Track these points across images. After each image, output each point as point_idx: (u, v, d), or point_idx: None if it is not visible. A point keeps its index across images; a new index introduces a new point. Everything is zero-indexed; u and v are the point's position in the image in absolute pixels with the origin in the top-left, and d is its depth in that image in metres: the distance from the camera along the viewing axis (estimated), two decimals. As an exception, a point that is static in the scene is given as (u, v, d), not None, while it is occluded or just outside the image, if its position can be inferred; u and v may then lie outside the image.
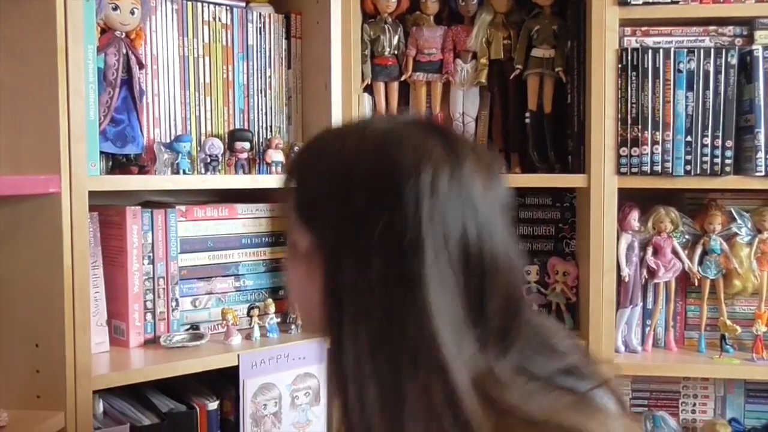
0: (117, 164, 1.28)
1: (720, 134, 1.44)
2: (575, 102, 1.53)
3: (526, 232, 1.65)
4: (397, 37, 1.58)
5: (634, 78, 1.46)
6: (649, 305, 1.57)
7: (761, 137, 1.42)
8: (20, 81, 1.13)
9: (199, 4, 1.40)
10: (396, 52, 1.59)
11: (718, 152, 1.45)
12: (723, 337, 1.53)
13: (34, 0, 1.10)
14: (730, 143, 1.44)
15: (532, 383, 0.65)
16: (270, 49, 1.50)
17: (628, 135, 1.46)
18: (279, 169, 1.45)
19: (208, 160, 1.37)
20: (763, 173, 1.43)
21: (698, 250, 1.54)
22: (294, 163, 0.79)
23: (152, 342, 1.36)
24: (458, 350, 0.63)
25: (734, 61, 1.44)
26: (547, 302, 1.62)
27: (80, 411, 1.13)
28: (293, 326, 1.47)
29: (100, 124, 1.21)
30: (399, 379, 0.63)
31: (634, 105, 1.46)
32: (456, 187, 0.65)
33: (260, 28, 1.49)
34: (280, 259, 1.56)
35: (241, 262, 1.50)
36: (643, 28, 1.49)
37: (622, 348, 1.56)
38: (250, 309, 1.46)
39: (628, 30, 1.49)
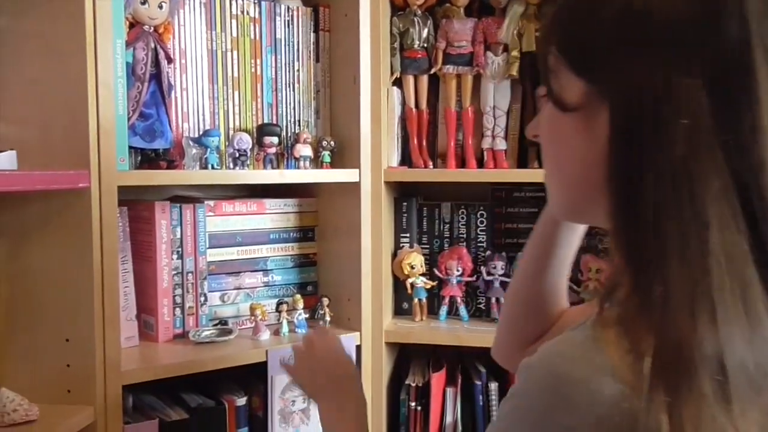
0: (146, 159, 1.28)
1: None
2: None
3: (558, 228, 1.62)
4: (426, 30, 1.56)
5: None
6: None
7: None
8: (49, 76, 1.13)
9: (228, -2, 1.39)
10: (425, 44, 1.56)
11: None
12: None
13: (63, -5, 1.10)
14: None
15: None
16: (298, 42, 1.49)
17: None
18: (307, 164, 1.44)
19: (237, 155, 1.36)
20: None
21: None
22: None
23: (181, 337, 1.36)
24: None
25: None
26: (579, 300, 1.58)
27: (110, 405, 1.14)
28: (321, 322, 1.46)
29: (128, 119, 1.21)
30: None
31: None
32: None
33: (288, 21, 1.47)
34: (309, 255, 1.55)
35: (269, 257, 1.49)
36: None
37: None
38: (278, 304, 1.45)
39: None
